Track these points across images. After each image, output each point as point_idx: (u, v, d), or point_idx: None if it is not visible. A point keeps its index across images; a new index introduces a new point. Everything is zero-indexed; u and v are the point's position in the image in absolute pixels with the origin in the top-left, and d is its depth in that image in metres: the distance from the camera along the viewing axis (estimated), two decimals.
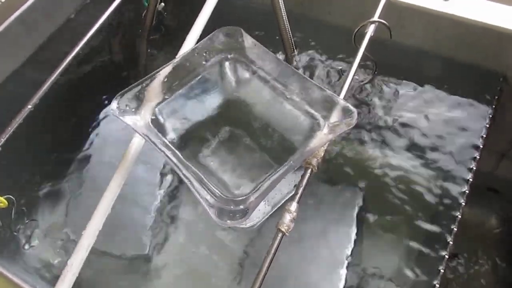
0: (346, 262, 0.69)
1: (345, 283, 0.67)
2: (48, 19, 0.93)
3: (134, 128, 0.58)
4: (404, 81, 0.86)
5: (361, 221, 0.72)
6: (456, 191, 0.73)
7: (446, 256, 0.66)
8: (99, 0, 0.99)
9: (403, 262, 0.68)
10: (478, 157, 0.75)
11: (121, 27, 1.00)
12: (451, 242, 0.68)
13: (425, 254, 0.68)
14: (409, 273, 0.67)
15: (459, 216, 0.70)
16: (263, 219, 0.71)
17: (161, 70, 0.63)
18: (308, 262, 0.70)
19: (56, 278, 0.57)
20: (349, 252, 0.70)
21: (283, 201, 0.71)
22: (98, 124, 0.88)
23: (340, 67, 0.87)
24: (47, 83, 0.72)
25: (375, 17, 0.72)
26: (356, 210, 0.73)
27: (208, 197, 0.50)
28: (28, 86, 0.73)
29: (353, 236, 0.71)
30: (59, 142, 0.86)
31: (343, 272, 0.68)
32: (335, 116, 0.57)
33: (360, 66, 0.68)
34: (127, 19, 1.01)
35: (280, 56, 0.89)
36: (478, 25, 0.79)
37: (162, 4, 0.98)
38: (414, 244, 0.70)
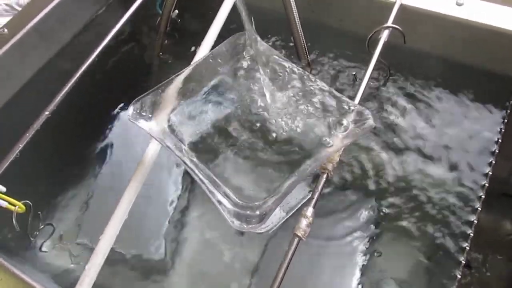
0: (361, 267, 0.69)
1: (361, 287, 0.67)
2: (64, 27, 0.94)
3: (150, 134, 0.58)
4: (417, 85, 0.86)
5: (376, 226, 0.72)
6: (471, 196, 0.72)
7: (463, 261, 0.66)
8: (114, 8, 1.00)
9: (420, 267, 0.68)
10: (493, 162, 0.75)
11: (135, 34, 1.01)
12: (467, 247, 0.67)
13: (442, 259, 0.68)
14: (425, 278, 0.67)
15: (475, 221, 0.69)
16: (278, 224, 0.71)
17: (176, 76, 0.64)
18: (321, 266, 0.70)
19: (72, 283, 0.57)
20: (364, 257, 0.69)
21: (298, 207, 0.71)
22: (114, 130, 0.89)
23: (354, 73, 0.87)
24: (64, 90, 0.74)
25: (389, 23, 0.72)
26: (370, 214, 0.73)
27: (225, 201, 0.51)
28: (46, 93, 0.74)
29: (368, 240, 0.71)
30: (75, 148, 0.87)
31: (358, 277, 0.68)
32: (350, 121, 0.58)
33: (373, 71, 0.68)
34: (141, 26, 1.02)
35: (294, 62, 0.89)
36: (492, 30, 0.78)
37: (176, 11, 0.99)
38: (431, 249, 0.69)
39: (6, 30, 0.85)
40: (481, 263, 0.87)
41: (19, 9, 0.99)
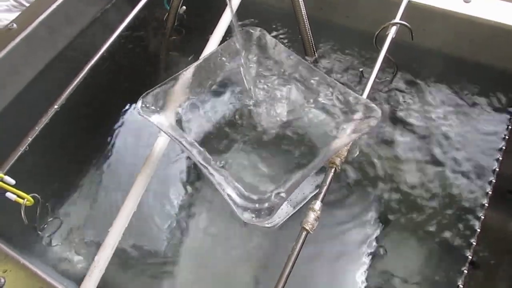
0: (367, 262, 0.69)
1: (367, 283, 0.67)
2: (72, 22, 0.94)
3: (159, 127, 0.58)
4: (425, 83, 0.86)
5: (382, 222, 0.72)
6: (479, 193, 0.72)
7: (470, 257, 0.66)
8: (122, 3, 1.01)
9: (427, 263, 0.68)
10: (501, 158, 0.75)
11: (143, 30, 1.01)
12: (474, 243, 0.67)
13: (449, 255, 0.68)
14: (432, 274, 0.67)
15: (482, 217, 0.69)
16: (285, 219, 0.71)
17: (184, 71, 0.64)
18: (327, 261, 0.70)
19: (79, 274, 0.57)
20: (371, 252, 0.69)
21: (305, 201, 0.72)
22: (123, 124, 0.89)
23: (361, 69, 0.87)
24: (73, 84, 0.74)
25: (397, 19, 0.72)
26: (378, 209, 0.73)
27: (234, 194, 0.51)
28: (54, 87, 0.75)
29: (375, 236, 0.71)
30: (84, 141, 0.87)
31: (364, 271, 0.68)
32: (358, 116, 0.58)
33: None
34: (149, 22, 1.02)
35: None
36: (499, 27, 0.78)
37: (184, 7, 0.99)
38: (438, 245, 0.69)
39: (15, 25, 0.86)
40: (488, 260, 0.87)
41: (28, 4, 1.00)
